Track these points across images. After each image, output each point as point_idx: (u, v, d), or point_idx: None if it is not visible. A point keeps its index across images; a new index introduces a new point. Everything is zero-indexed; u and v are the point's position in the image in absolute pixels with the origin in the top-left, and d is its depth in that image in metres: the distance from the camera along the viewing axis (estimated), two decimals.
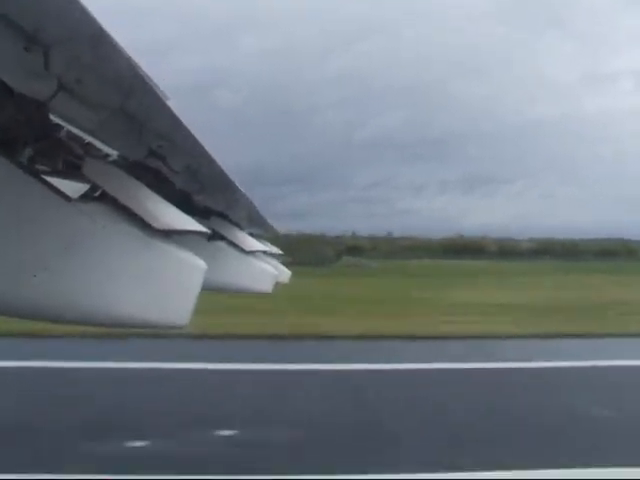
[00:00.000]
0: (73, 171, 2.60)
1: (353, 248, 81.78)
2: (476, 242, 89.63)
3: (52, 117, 2.27)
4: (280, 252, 7.63)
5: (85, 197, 2.53)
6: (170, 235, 2.62)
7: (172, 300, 2.54)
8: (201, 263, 2.64)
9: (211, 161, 3.09)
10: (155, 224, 2.49)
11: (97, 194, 2.57)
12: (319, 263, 61.97)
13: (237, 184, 3.96)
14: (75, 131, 2.51)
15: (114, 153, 2.94)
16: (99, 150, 2.81)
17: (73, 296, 2.31)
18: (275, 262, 6.86)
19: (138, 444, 8.17)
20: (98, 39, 1.67)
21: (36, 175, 2.31)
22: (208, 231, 3.29)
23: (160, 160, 2.97)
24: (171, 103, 2.24)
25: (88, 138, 2.65)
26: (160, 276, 2.50)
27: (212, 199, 4.38)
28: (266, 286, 5.50)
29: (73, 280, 2.30)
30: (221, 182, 3.77)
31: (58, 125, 2.37)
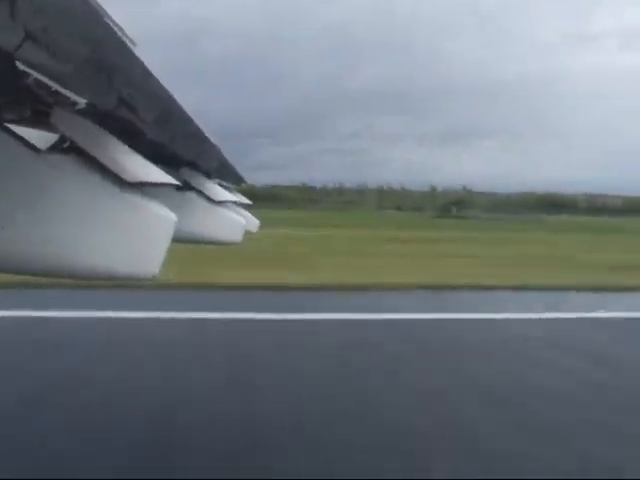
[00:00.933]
0: (41, 121, 2.56)
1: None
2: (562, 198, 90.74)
3: (19, 65, 2.22)
4: (250, 202, 7.61)
5: (54, 148, 2.50)
6: (140, 187, 2.61)
7: (142, 251, 2.54)
8: (171, 215, 2.65)
9: (181, 111, 3.06)
10: (125, 176, 2.48)
11: (66, 145, 2.55)
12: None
13: (207, 134, 3.93)
14: (43, 79, 2.46)
15: (82, 102, 2.90)
16: (67, 98, 2.77)
17: (42, 248, 2.31)
18: (245, 212, 6.86)
19: None
20: None
21: (3, 126, 2.28)
22: (177, 183, 3.28)
23: (130, 110, 2.93)
24: (138, 50, 2.21)
25: (56, 86, 2.60)
26: (130, 228, 2.50)
27: (182, 149, 4.33)
28: (235, 236, 5.51)
29: (42, 232, 2.29)
30: (191, 132, 3.74)
31: (25, 73, 2.32)
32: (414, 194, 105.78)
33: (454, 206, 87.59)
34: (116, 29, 2.00)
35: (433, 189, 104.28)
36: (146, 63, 2.30)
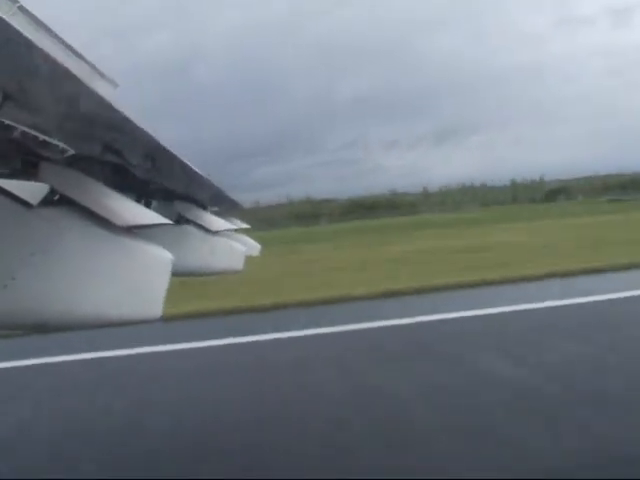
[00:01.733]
0: (30, 172, 2.60)
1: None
2: None
3: (3, 120, 2.25)
4: (248, 226, 7.63)
5: (46, 202, 2.53)
6: (134, 230, 2.63)
7: (143, 293, 2.56)
8: (167, 254, 2.67)
9: (165, 149, 3.09)
10: (118, 221, 2.50)
11: (56, 198, 2.58)
12: None
13: (194, 167, 3.96)
14: (29, 131, 2.50)
15: (70, 151, 2.93)
16: (56, 147, 2.80)
17: (45, 301, 2.33)
18: (245, 238, 6.88)
19: None
20: (30, 46, 1.65)
21: None
22: (169, 222, 3.30)
23: (116, 154, 2.97)
24: (119, 90, 2.24)
25: (42, 137, 2.64)
26: (128, 271, 2.53)
27: (172, 184, 4.37)
28: (237, 264, 5.53)
29: (43, 286, 2.31)
30: (178, 167, 3.77)
31: (10, 126, 2.36)
32: (495, 189, 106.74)
33: (560, 194, 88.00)
34: (97, 74, 2.04)
35: (514, 182, 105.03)
36: (131, 100, 2.34)
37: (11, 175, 2.66)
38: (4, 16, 1.54)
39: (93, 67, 2.05)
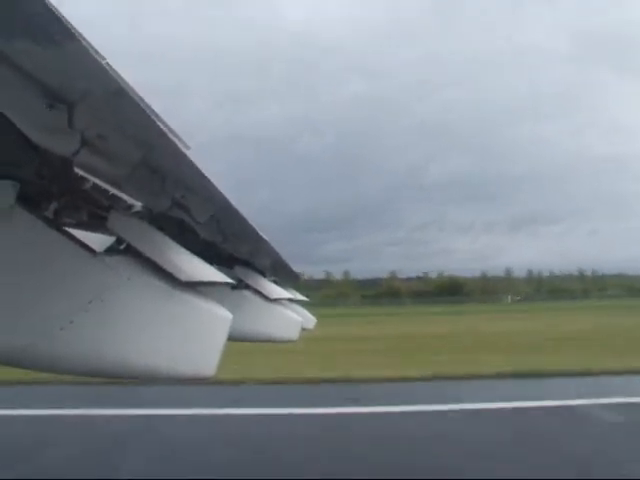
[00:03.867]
0: (98, 224, 2.62)
1: None
2: None
3: (77, 170, 2.29)
4: (306, 299, 7.60)
5: (110, 250, 2.55)
6: (195, 286, 2.62)
7: (199, 351, 2.52)
8: (226, 313, 2.63)
9: (234, 211, 3.10)
10: (180, 276, 2.49)
11: (122, 247, 2.59)
12: None
13: (260, 233, 3.98)
14: (100, 183, 2.53)
15: (138, 204, 2.96)
16: (124, 202, 2.83)
17: (99, 349, 2.31)
18: (301, 309, 6.84)
19: None
20: (118, 96, 1.69)
21: (61, 229, 2.33)
22: (232, 282, 3.29)
23: (184, 211, 2.99)
24: (191, 152, 2.26)
25: (113, 190, 2.67)
26: (186, 327, 2.50)
27: (236, 248, 4.39)
28: (292, 334, 5.48)
29: (99, 333, 2.30)
30: (244, 231, 3.79)
31: (83, 178, 2.39)
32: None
33: None
34: (170, 134, 2.06)
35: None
36: (202, 165, 2.35)
37: (79, 225, 2.70)
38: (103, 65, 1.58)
39: (167, 126, 2.07)
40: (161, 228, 2.89)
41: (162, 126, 1.99)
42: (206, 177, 2.45)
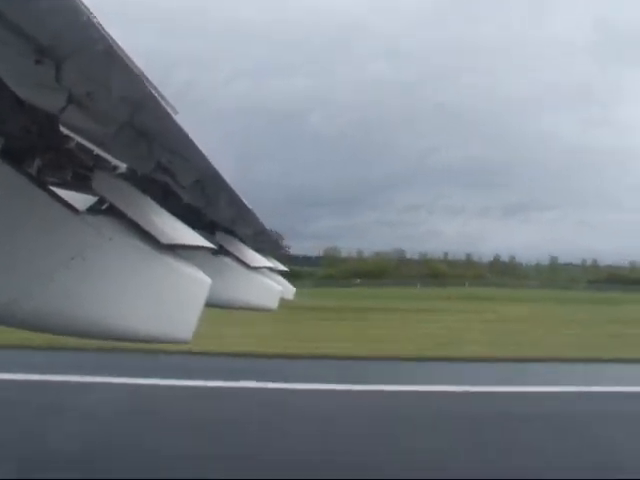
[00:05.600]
0: (82, 183, 2.61)
1: None
2: None
3: (62, 129, 2.28)
4: (286, 269, 7.62)
5: (93, 210, 2.54)
6: (176, 249, 2.62)
7: (176, 314, 2.54)
8: (206, 278, 2.65)
9: (218, 177, 3.10)
10: (161, 238, 2.50)
11: (105, 207, 2.59)
12: None
13: (244, 201, 3.98)
14: (85, 143, 2.52)
15: (123, 166, 2.95)
16: (108, 162, 2.82)
17: (78, 308, 2.32)
18: (281, 279, 6.86)
19: None
20: (108, 54, 1.68)
21: (43, 186, 2.32)
22: (214, 246, 3.29)
23: (168, 175, 2.98)
24: (179, 117, 2.25)
25: (98, 150, 2.66)
26: (165, 290, 2.51)
27: (219, 214, 4.38)
28: (271, 302, 5.50)
29: (78, 292, 2.30)
30: (228, 198, 3.78)
31: (68, 137, 2.38)
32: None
33: None
34: (158, 96, 2.05)
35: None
36: (187, 129, 2.35)
37: (63, 185, 2.69)
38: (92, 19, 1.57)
39: (156, 89, 2.06)
40: (145, 191, 2.88)
41: (151, 88, 1.98)
42: (192, 142, 2.44)
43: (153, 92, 1.98)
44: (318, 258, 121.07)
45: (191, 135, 2.40)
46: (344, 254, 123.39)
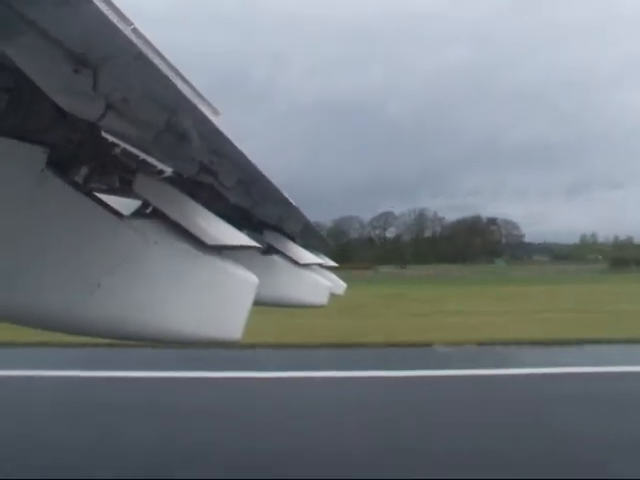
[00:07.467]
0: (125, 188, 2.65)
1: None
2: None
3: (106, 135, 2.31)
4: (335, 264, 7.61)
5: (137, 214, 2.57)
6: (222, 250, 2.64)
7: (225, 315, 2.55)
8: (253, 277, 2.66)
9: (262, 176, 3.11)
10: (207, 240, 2.52)
11: (148, 211, 2.62)
12: None
13: (289, 198, 3.98)
14: (130, 148, 2.55)
15: (169, 170, 2.99)
16: (154, 167, 2.86)
17: (126, 313, 2.35)
18: (331, 275, 6.86)
19: None
20: (140, 60, 1.70)
21: (89, 194, 2.36)
22: (259, 246, 3.30)
23: (212, 176, 3.00)
24: (221, 119, 2.27)
25: (142, 155, 2.69)
26: (212, 291, 2.52)
27: (265, 213, 4.40)
28: (321, 299, 5.50)
29: (125, 297, 2.33)
30: (273, 196, 3.80)
31: (113, 143, 2.42)
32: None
33: None
34: (196, 98, 2.07)
35: None
36: (229, 131, 2.36)
37: (106, 191, 2.73)
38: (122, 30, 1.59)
39: (197, 92, 2.08)
40: (192, 193, 2.92)
41: (190, 92, 2.00)
42: (231, 142, 2.46)
43: (188, 96, 2.00)
44: None
45: (231, 136, 2.42)
46: None
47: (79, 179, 2.41)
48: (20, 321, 2.39)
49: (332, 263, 7.35)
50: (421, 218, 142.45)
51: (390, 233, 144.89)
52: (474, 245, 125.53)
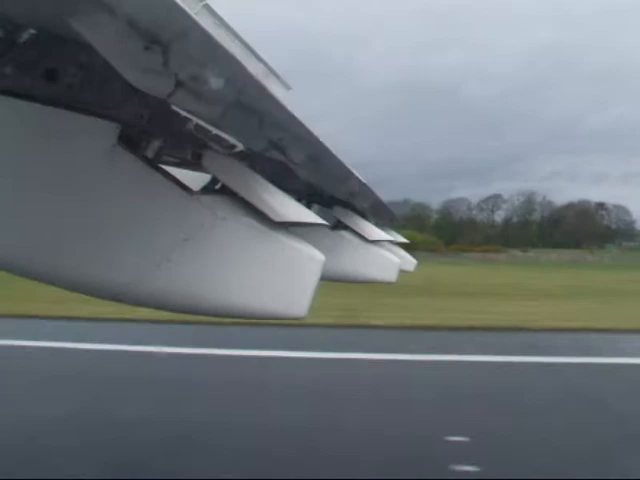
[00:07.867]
0: (195, 163, 2.68)
1: None
2: None
3: (177, 110, 2.33)
4: (406, 241, 7.55)
5: (206, 190, 2.60)
6: (288, 227, 2.64)
7: (290, 291, 2.56)
8: (319, 255, 2.65)
9: (330, 153, 3.10)
10: (274, 217, 2.52)
11: (217, 187, 2.64)
12: None
13: (359, 175, 3.96)
14: (202, 124, 2.57)
15: (239, 145, 3.00)
16: (226, 141, 2.87)
17: (194, 287, 2.38)
18: (401, 251, 6.81)
19: None
20: (208, 39, 1.71)
21: (160, 169, 2.39)
22: (326, 223, 3.29)
23: (281, 152, 3.01)
24: (292, 94, 2.26)
25: (214, 130, 2.71)
26: (278, 267, 2.53)
27: (333, 189, 4.39)
28: (390, 275, 5.47)
29: (194, 271, 2.37)
30: (342, 173, 3.78)
31: (183, 118, 2.44)
32: None
33: None
34: (267, 77, 2.07)
35: None
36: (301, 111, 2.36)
37: (177, 164, 2.76)
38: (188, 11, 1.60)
39: (269, 68, 2.07)
40: (263, 169, 2.92)
41: (262, 69, 2.00)
42: (298, 119, 2.45)
43: (258, 73, 2.00)
44: None
45: (302, 113, 2.41)
46: None
47: (150, 154, 2.45)
48: (92, 293, 2.44)
49: (402, 239, 7.29)
50: (529, 201, 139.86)
51: (498, 216, 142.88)
52: (583, 230, 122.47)
